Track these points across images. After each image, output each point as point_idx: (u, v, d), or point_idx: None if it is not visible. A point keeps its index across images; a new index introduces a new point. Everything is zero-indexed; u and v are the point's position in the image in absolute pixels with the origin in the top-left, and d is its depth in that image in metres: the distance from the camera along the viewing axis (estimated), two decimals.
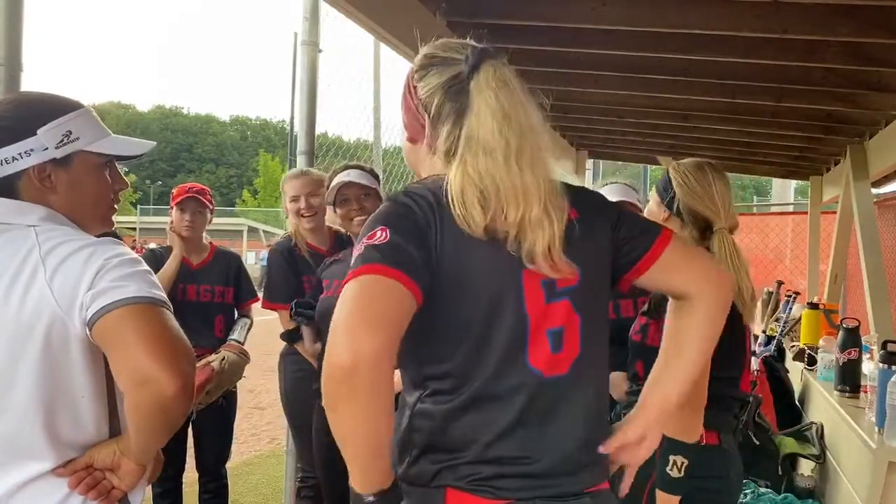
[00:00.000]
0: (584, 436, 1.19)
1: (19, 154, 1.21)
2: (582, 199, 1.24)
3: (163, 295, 1.20)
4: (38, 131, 1.22)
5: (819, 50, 3.22)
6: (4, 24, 1.73)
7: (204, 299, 3.07)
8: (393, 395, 1.05)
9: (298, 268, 2.90)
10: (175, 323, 1.18)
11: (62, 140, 1.23)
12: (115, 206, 1.37)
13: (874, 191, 4.96)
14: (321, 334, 2.59)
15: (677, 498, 1.60)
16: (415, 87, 1.24)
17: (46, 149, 1.22)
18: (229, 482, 3.29)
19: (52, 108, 1.26)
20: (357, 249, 1.10)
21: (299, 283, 2.88)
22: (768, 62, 3.42)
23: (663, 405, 1.24)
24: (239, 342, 3.10)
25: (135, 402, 1.14)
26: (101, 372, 1.21)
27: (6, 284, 1.13)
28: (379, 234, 1.09)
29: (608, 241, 1.25)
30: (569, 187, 1.25)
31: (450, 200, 1.12)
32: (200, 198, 3.09)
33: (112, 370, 1.17)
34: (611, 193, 2.70)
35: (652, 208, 2.00)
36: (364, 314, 1.02)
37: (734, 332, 1.75)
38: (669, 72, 3.86)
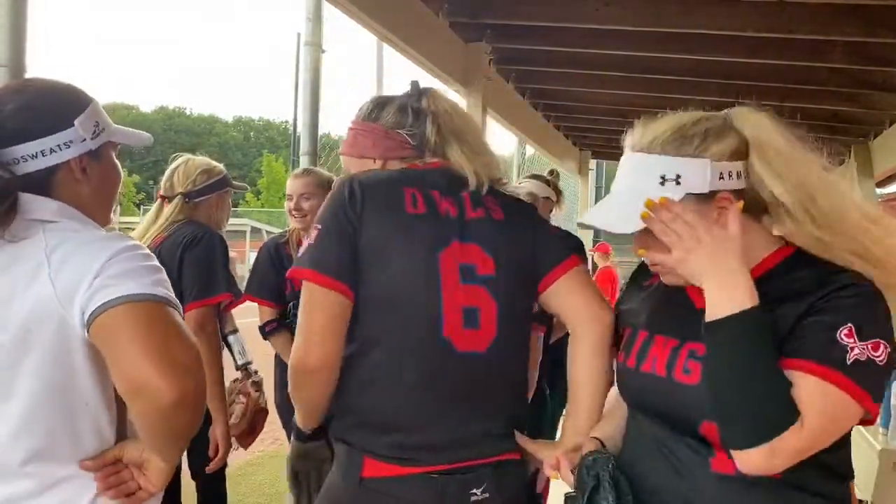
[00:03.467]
0: (495, 412, 1.33)
1: (58, 146, 1.16)
2: (510, 205, 1.42)
3: (169, 292, 1.11)
4: (75, 122, 1.18)
5: (824, 50, 3.22)
6: (8, 25, 1.74)
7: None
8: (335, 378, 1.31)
9: (283, 265, 2.91)
10: (178, 321, 1.09)
11: (95, 131, 1.21)
12: None
13: (878, 191, 4.95)
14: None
15: None
16: (373, 122, 1.47)
17: (84, 140, 1.19)
18: (231, 483, 3.26)
19: (78, 97, 1.22)
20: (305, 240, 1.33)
21: (281, 280, 2.89)
22: (773, 62, 3.41)
23: (576, 437, 1.34)
24: (249, 363, 3.08)
25: (135, 412, 1.08)
26: (108, 379, 1.13)
27: (10, 283, 1.10)
28: (313, 232, 1.30)
29: (530, 246, 1.39)
30: (500, 193, 1.43)
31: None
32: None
33: (111, 376, 1.09)
34: (528, 187, 2.88)
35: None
36: (310, 322, 1.27)
37: None
38: (673, 72, 3.86)
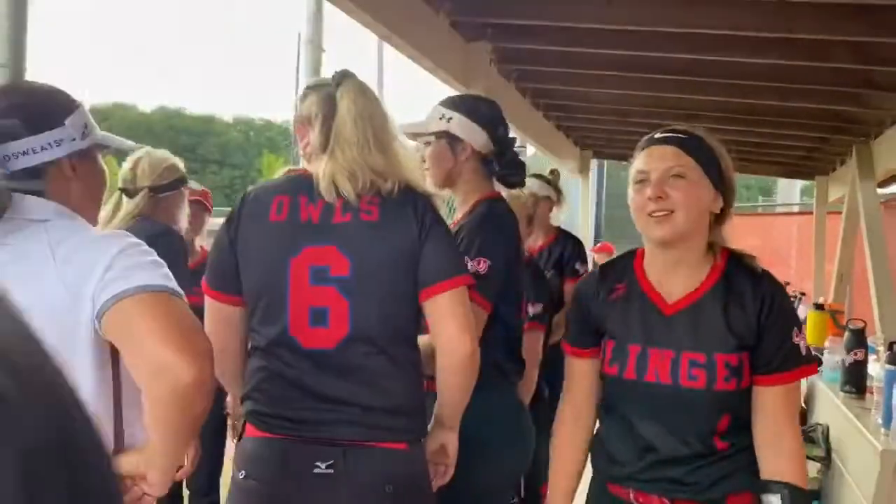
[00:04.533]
0: (349, 401, 1.41)
1: (48, 143, 1.19)
2: (395, 209, 1.45)
3: (176, 285, 1.16)
4: (66, 122, 1.21)
5: (825, 49, 3.21)
6: (8, 25, 1.74)
7: (194, 302, 3.03)
8: (240, 366, 1.53)
9: None
10: (191, 314, 1.14)
11: (84, 132, 1.24)
12: None
13: (880, 191, 4.95)
14: None
15: None
16: (298, 111, 1.55)
17: (74, 139, 1.22)
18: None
19: (68, 98, 1.26)
20: None
21: None
22: (774, 62, 3.41)
23: (436, 441, 1.55)
24: None
25: (153, 396, 1.09)
26: (108, 378, 1.16)
27: (13, 280, 1.07)
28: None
29: (409, 246, 1.44)
30: (391, 196, 1.45)
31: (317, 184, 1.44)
32: (202, 200, 3.06)
33: (127, 365, 1.12)
34: (529, 186, 2.81)
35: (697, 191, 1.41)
36: (206, 322, 1.46)
37: None
38: (675, 71, 3.85)
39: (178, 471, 1.23)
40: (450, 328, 1.45)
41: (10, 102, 1.21)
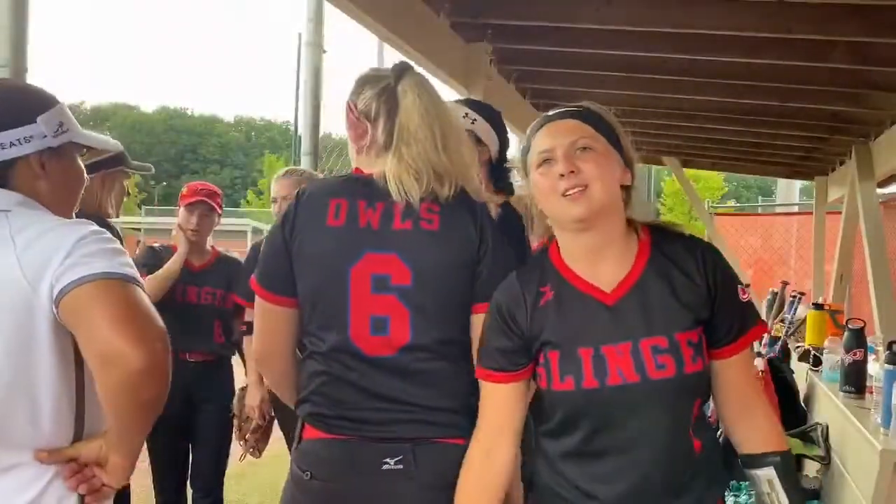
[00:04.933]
0: (410, 404, 1.40)
1: (18, 140, 1.21)
2: (454, 216, 1.43)
3: (135, 272, 1.16)
4: (38, 119, 1.22)
5: (825, 50, 3.22)
6: (9, 25, 1.74)
7: (204, 302, 3.01)
8: (289, 366, 1.53)
9: None
10: (147, 301, 1.14)
11: (57, 129, 1.25)
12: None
13: (879, 191, 4.95)
14: None
15: None
16: (354, 105, 1.49)
17: (45, 136, 1.23)
18: (232, 483, 3.24)
19: (44, 97, 1.27)
20: None
21: None
22: (774, 62, 3.41)
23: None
24: None
25: (103, 382, 1.10)
26: (71, 367, 1.16)
27: None
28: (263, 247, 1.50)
29: (469, 258, 1.42)
30: (450, 203, 1.43)
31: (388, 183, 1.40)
32: (209, 201, 3.02)
33: (80, 350, 1.12)
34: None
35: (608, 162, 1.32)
36: (257, 325, 1.52)
37: None
38: (674, 72, 3.86)
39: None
40: None
41: None
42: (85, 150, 1.36)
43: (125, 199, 2.61)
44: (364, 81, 1.51)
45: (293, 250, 1.43)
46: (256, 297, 1.48)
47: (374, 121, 1.46)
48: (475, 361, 1.37)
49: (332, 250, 1.41)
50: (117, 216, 2.40)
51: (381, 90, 1.46)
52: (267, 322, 1.49)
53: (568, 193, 1.22)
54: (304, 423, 1.47)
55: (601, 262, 1.27)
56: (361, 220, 1.41)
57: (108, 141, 1.49)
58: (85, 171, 1.37)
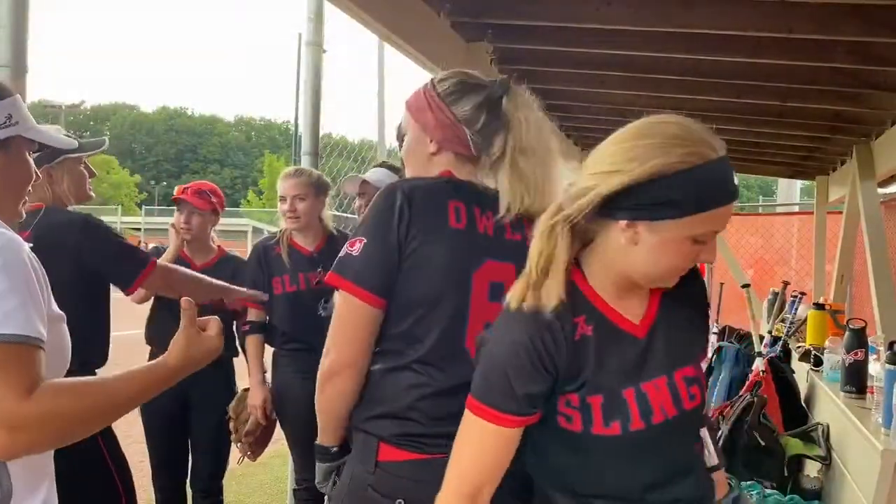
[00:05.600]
0: None
1: None
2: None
3: (36, 315, 1.03)
4: None
5: (826, 50, 3.21)
6: (9, 25, 1.74)
7: (205, 301, 3.01)
8: (360, 386, 1.40)
9: (271, 267, 2.92)
10: (12, 366, 0.98)
11: (4, 122, 1.20)
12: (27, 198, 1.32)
13: (881, 191, 4.95)
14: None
15: None
16: (446, 106, 1.46)
17: None
18: (233, 483, 3.24)
19: None
20: (344, 248, 1.39)
21: (267, 282, 2.90)
22: (775, 62, 3.41)
23: None
24: (264, 371, 3.09)
25: None
26: None
27: None
28: (356, 244, 1.37)
29: None
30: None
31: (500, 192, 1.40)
32: (192, 199, 2.99)
33: None
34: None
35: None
36: (343, 331, 1.38)
37: None
38: (675, 72, 3.85)
39: None
40: None
41: None
42: (36, 145, 1.31)
43: (125, 200, 2.58)
44: (461, 87, 1.48)
45: (406, 251, 1.36)
46: (349, 298, 1.36)
47: (484, 129, 1.45)
48: (471, 390, 1.16)
49: (456, 253, 1.37)
50: (84, 201, 2.28)
51: (483, 102, 1.45)
52: (360, 326, 1.37)
53: (682, 274, 1.16)
54: (380, 442, 1.36)
55: (628, 294, 1.19)
56: (479, 225, 1.40)
57: (60, 139, 1.42)
58: (33, 168, 1.31)
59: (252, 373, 2.93)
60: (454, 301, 1.36)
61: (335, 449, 1.48)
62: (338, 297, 1.40)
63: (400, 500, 1.32)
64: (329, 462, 1.49)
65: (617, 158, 1.09)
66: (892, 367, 2.39)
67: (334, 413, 1.44)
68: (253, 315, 2.93)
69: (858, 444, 2.60)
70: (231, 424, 2.94)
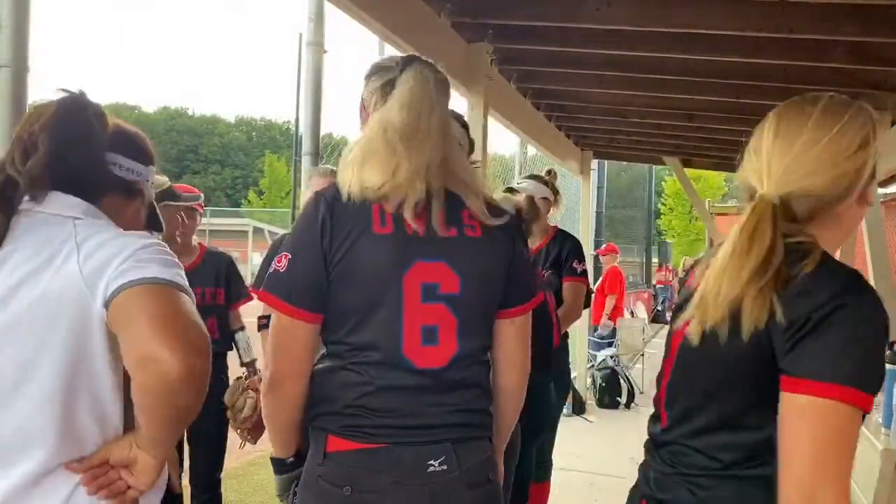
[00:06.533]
0: (454, 409, 1.40)
1: (139, 172, 1.41)
2: (493, 222, 1.42)
3: (185, 281, 1.18)
4: (150, 167, 1.46)
5: (825, 49, 3.22)
6: (11, 25, 1.74)
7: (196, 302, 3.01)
8: (304, 394, 1.41)
9: None
10: (192, 309, 1.14)
11: (151, 183, 1.49)
12: None
13: (881, 191, 4.95)
14: None
15: None
16: (363, 90, 1.48)
17: (147, 180, 1.44)
18: (233, 483, 3.26)
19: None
20: (273, 263, 1.39)
21: None
22: (774, 62, 3.41)
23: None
24: (254, 360, 3.12)
25: (137, 384, 1.10)
26: (120, 363, 1.17)
27: (37, 266, 1.13)
28: (283, 260, 1.36)
29: (504, 268, 1.44)
30: (494, 208, 1.43)
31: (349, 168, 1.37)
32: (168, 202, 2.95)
33: (122, 353, 1.12)
34: (526, 187, 3.00)
35: None
36: (280, 346, 1.38)
37: None
38: (674, 71, 3.86)
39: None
40: (523, 351, 1.52)
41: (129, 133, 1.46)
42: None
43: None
44: (373, 67, 1.48)
45: (332, 261, 1.34)
46: (277, 315, 1.37)
47: (371, 111, 1.44)
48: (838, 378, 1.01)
49: (384, 259, 1.34)
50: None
51: (386, 82, 1.42)
52: (291, 341, 1.37)
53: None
54: (328, 435, 1.38)
55: None
56: (408, 227, 1.35)
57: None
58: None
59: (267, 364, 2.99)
60: (387, 306, 1.34)
61: (290, 459, 1.47)
62: (272, 316, 1.39)
63: (347, 487, 1.33)
64: (285, 473, 1.48)
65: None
66: (892, 366, 2.39)
67: (281, 423, 1.44)
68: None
69: (858, 443, 2.61)
70: (228, 413, 2.96)
